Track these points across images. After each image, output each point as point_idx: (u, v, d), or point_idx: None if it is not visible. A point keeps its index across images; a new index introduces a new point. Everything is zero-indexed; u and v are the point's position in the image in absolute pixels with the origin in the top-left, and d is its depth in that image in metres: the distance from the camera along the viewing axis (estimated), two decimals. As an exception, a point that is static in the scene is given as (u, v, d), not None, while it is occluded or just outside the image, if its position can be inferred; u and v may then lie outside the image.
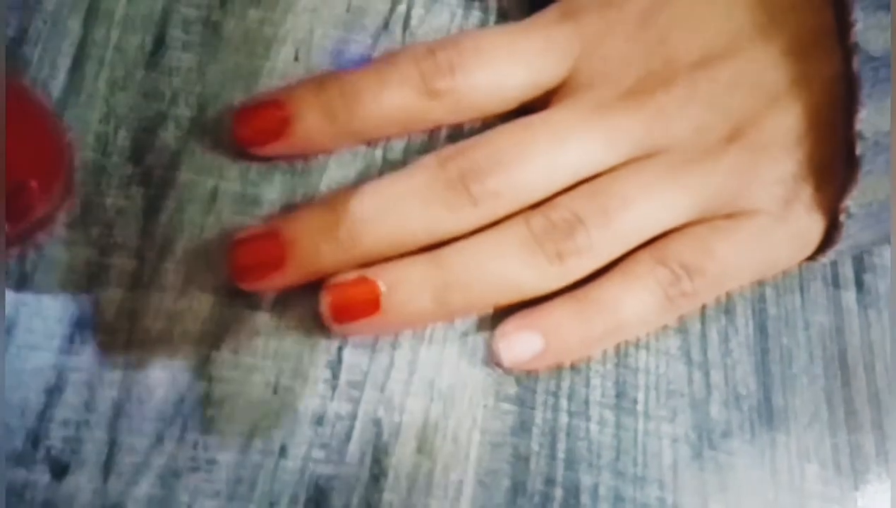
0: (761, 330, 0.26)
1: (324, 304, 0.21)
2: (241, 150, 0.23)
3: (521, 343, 0.23)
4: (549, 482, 0.22)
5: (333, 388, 0.22)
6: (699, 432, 0.24)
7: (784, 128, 0.23)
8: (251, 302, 0.22)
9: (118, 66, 0.24)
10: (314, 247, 0.21)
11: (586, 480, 0.23)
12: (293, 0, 0.26)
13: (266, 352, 0.22)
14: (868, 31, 0.21)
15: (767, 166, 0.23)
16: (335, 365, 0.22)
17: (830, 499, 0.24)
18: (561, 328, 0.23)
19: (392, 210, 0.22)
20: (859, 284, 0.27)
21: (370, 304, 0.21)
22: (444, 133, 0.25)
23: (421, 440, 0.22)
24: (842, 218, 0.23)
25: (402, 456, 0.22)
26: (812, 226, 0.24)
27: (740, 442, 0.24)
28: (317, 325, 0.22)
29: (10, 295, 0.21)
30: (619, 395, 0.24)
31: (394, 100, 0.23)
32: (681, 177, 0.23)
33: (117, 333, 0.21)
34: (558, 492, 0.22)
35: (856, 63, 0.21)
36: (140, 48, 0.24)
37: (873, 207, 0.23)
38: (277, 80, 0.25)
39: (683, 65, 0.23)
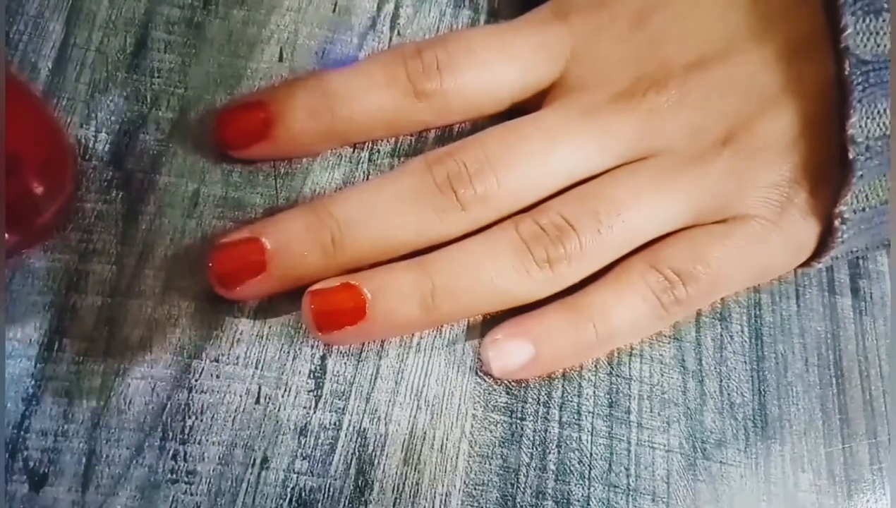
0: (757, 336, 0.25)
1: (307, 312, 0.21)
2: (223, 153, 0.23)
3: (511, 351, 0.22)
4: (540, 494, 0.22)
5: (317, 398, 0.22)
6: (693, 442, 0.23)
7: (778, 132, 0.23)
8: (233, 309, 0.22)
9: (99, 68, 0.23)
10: (297, 253, 0.21)
11: (577, 492, 0.22)
12: (278, -1, 0.25)
13: (248, 361, 0.22)
14: (858, 35, 0.21)
15: (761, 170, 0.23)
16: (319, 375, 0.22)
17: (825, 508, 0.24)
18: (552, 335, 0.22)
19: (378, 214, 0.21)
20: (855, 290, 0.27)
21: (355, 312, 0.21)
22: (432, 135, 0.25)
23: (407, 451, 0.22)
24: (836, 223, 0.22)
25: (387, 468, 0.21)
26: (806, 232, 0.23)
27: (734, 451, 0.24)
28: (300, 333, 0.22)
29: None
30: (612, 405, 0.23)
31: (380, 102, 0.22)
32: (674, 181, 0.23)
33: (96, 341, 0.21)
34: (549, 505, 0.22)
35: (847, 67, 0.21)
36: (122, 50, 0.24)
37: (867, 212, 0.22)
38: (261, 80, 0.24)
39: (676, 67, 0.23)
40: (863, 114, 0.21)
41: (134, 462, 0.20)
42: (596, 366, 0.24)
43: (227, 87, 0.24)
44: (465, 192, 0.21)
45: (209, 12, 0.25)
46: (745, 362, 0.25)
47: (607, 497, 0.22)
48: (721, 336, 0.25)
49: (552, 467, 0.22)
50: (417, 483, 0.21)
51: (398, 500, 0.21)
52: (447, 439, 0.22)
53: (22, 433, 0.20)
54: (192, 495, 0.20)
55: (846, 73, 0.21)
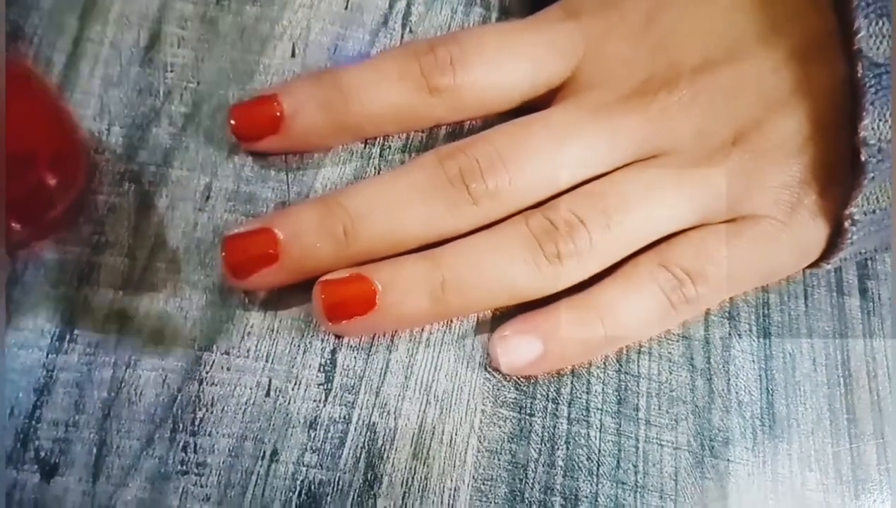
0: (765, 336, 0.25)
1: (317, 302, 0.21)
2: (235, 147, 0.23)
3: (519, 347, 0.22)
4: (548, 490, 0.22)
5: (327, 392, 0.22)
6: (701, 439, 0.23)
7: (787, 133, 0.23)
8: (243, 302, 0.22)
9: (113, 62, 0.24)
10: (309, 244, 0.21)
11: (586, 488, 0.22)
12: (291, -4, 0.25)
13: (258, 354, 0.22)
14: (871, 38, 0.21)
15: (771, 171, 0.23)
16: (329, 368, 0.22)
17: (831, 507, 0.24)
18: (561, 332, 0.22)
19: (390, 207, 0.21)
20: (863, 291, 0.27)
21: (365, 302, 0.21)
22: (442, 132, 0.25)
23: (416, 445, 0.22)
24: (846, 224, 0.22)
25: (396, 462, 0.21)
26: (816, 233, 0.23)
27: (742, 450, 0.24)
28: (310, 327, 0.22)
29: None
30: (621, 402, 0.23)
31: (392, 97, 0.22)
32: (683, 180, 0.23)
33: (107, 333, 0.21)
34: (557, 501, 0.22)
35: (859, 70, 0.21)
36: (135, 45, 0.24)
37: (877, 214, 0.22)
38: (273, 76, 0.24)
39: (686, 68, 0.23)
40: (875, 117, 0.21)
41: (144, 453, 0.20)
42: (605, 363, 0.24)
43: (240, 83, 0.24)
44: (476, 187, 0.21)
45: (222, 8, 0.25)
46: (754, 361, 0.25)
47: (615, 493, 0.22)
48: (729, 334, 0.25)
49: (560, 463, 0.22)
50: (426, 478, 0.21)
51: (407, 494, 0.21)
52: (456, 434, 0.22)
53: (33, 423, 0.20)
54: (201, 486, 0.20)
55: (859, 75, 0.21)
